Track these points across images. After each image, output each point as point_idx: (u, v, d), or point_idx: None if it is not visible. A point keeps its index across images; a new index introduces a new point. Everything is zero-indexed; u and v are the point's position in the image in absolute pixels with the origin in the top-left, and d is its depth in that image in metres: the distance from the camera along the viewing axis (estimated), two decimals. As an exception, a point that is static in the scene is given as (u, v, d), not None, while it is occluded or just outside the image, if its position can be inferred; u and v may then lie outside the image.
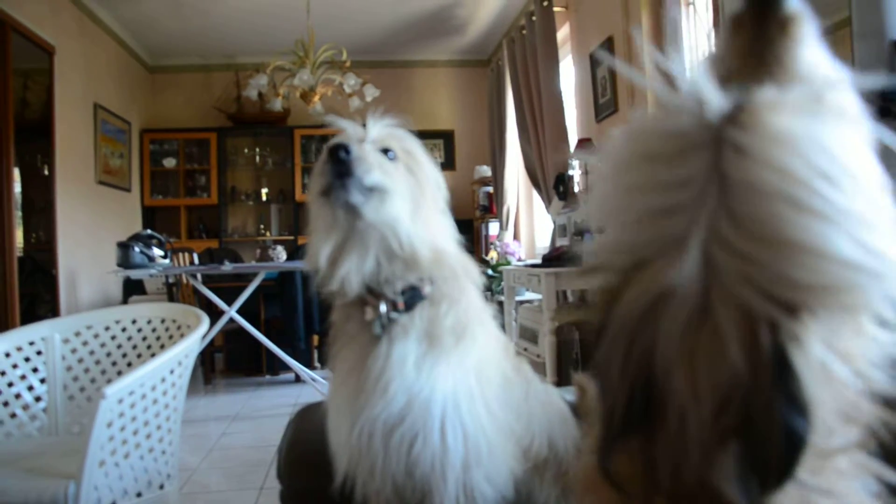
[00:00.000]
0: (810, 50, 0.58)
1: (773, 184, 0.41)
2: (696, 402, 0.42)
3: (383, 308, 1.06)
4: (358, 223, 1.04)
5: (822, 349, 0.42)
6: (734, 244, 0.41)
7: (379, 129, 1.13)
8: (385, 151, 1.10)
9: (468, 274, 1.15)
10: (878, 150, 0.45)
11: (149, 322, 2.34)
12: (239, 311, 4.63)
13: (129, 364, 2.29)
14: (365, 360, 1.06)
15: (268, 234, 8.03)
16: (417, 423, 1.01)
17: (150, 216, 7.74)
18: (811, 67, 0.57)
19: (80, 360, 2.26)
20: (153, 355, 2.24)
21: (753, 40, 0.58)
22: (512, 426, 1.09)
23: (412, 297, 1.08)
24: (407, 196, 1.07)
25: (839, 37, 2.27)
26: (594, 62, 5.01)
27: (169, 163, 7.79)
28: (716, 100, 0.45)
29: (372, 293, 1.08)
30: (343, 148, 1.03)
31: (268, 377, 5.65)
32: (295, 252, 5.44)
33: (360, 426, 1.03)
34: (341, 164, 1.02)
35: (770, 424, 0.40)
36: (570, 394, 1.40)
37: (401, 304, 1.07)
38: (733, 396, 0.41)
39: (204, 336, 2.18)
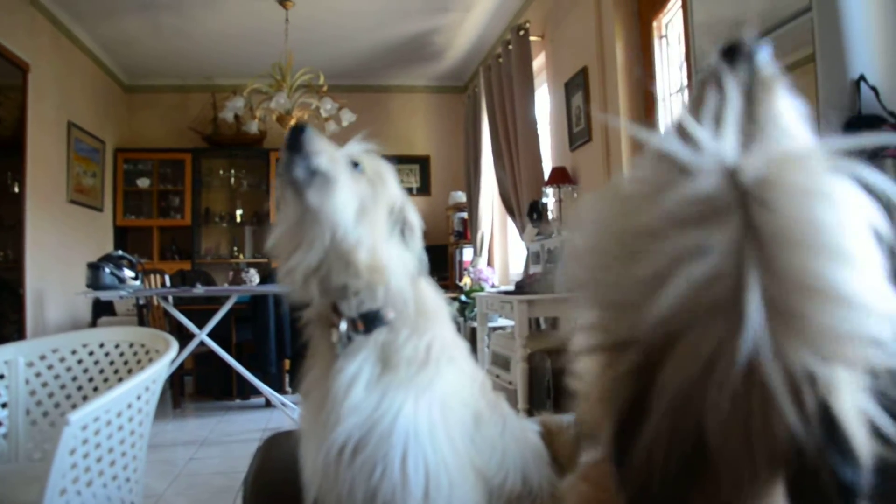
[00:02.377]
0: (783, 103, 0.61)
1: (805, 235, 0.42)
2: (751, 463, 0.43)
3: (343, 326, 1.08)
4: (304, 209, 1.07)
5: (861, 398, 0.44)
6: (777, 301, 0.41)
7: (355, 146, 1.16)
8: (355, 165, 1.13)
9: (438, 310, 1.15)
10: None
11: (116, 346, 2.31)
12: (210, 335, 4.58)
13: (96, 389, 2.25)
14: (324, 381, 1.07)
15: (241, 256, 7.98)
16: (378, 452, 1.01)
17: (123, 236, 7.66)
18: (783, 119, 0.60)
19: (45, 385, 2.22)
20: (120, 380, 2.21)
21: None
22: (477, 464, 1.09)
23: (372, 319, 1.09)
24: (355, 197, 1.09)
25: (804, 72, 2.32)
26: (569, 91, 5.08)
27: (143, 183, 7.73)
28: (739, 159, 0.46)
29: (337, 311, 1.09)
30: (300, 127, 1.08)
31: (238, 401, 5.59)
32: (268, 275, 5.41)
33: (324, 450, 1.03)
34: (293, 140, 1.07)
35: (825, 478, 0.41)
36: (535, 423, 1.41)
37: (360, 325, 1.08)
38: (788, 454, 0.42)
39: (173, 360, 2.16)
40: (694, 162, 0.46)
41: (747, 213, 0.43)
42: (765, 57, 0.62)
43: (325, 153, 1.09)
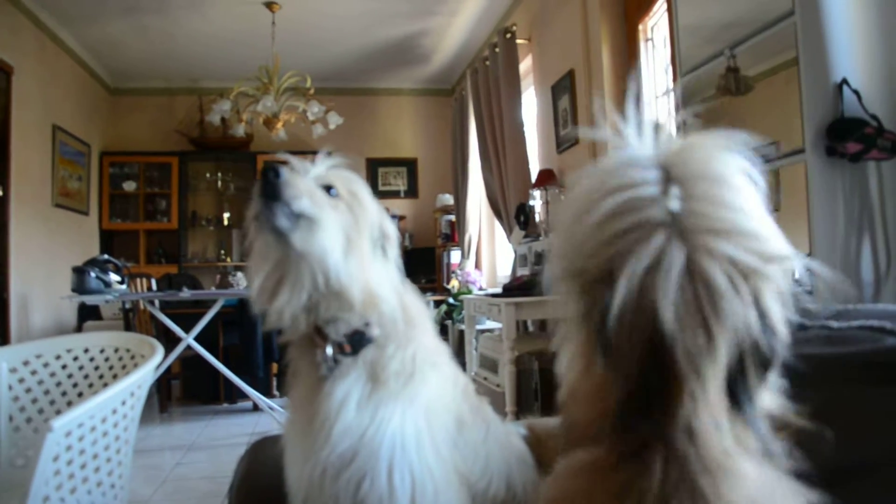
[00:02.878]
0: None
1: (711, 175, 0.61)
2: (706, 337, 0.57)
3: (329, 351, 1.06)
4: (289, 252, 1.04)
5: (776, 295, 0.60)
6: (700, 211, 0.59)
7: (325, 166, 1.13)
8: (328, 189, 1.09)
9: (419, 317, 1.15)
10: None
11: (101, 351, 2.30)
12: (197, 338, 4.57)
13: (80, 394, 2.24)
14: (312, 401, 1.06)
15: (228, 259, 7.94)
16: (365, 465, 1.00)
17: (109, 240, 7.62)
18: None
19: (28, 390, 2.20)
20: (105, 385, 2.20)
21: None
22: (461, 469, 1.09)
23: (359, 340, 1.08)
24: (340, 232, 1.06)
25: (788, 76, 2.34)
26: (556, 94, 5.09)
27: (129, 186, 7.70)
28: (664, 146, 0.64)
29: (321, 334, 1.08)
30: (273, 170, 1.02)
31: (225, 405, 5.56)
32: (255, 278, 5.38)
33: (311, 467, 1.03)
34: (269, 187, 1.02)
35: (760, 346, 0.59)
36: (521, 427, 1.42)
37: (347, 347, 1.07)
38: (731, 331, 0.58)
39: (159, 364, 2.15)
40: (636, 150, 0.65)
41: (668, 169, 0.61)
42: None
43: (304, 194, 1.04)
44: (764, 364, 0.60)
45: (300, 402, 1.10)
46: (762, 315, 0.58)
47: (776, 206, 2.32)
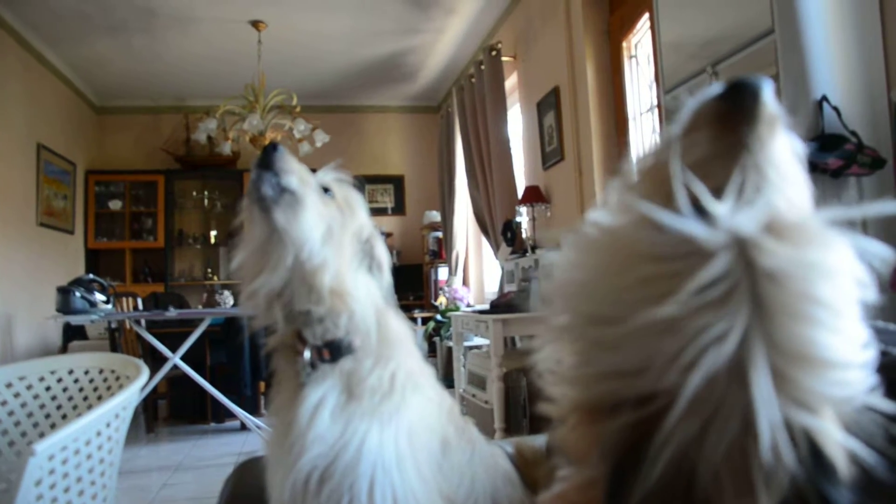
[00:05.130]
0: (783, 145, 0.60)
1: (805, 309, 0.45)
2: (748, 500, 0.46)
3: (307, 355, 1.07)
4: (272, 228, 1.06)
5: (840, 432, 0.48)
6: (777, 369, 0.45)
7: (328, 173, 1.16)
8: (325, 189, 1.13)
9: (402, 338, 1.15)
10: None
11: (86, 372, 2.28)
12: (184, 358, 4.54)
13: (64, 416, 2.22)
14: (290, 409, 1.06)
15: (215, 278, 7.91)
16: (345, 483, 1.00)
17: (94, 259, 7.58)
18: (784, 164, 0.59)
19: (11, 413, 2.18)
20: (90, 407, 2.18)
21: (733, 138, 0.58)
22: (445, 492, 1.08)
23: (338, 348, 1.08)
24: (322, 222, 1.09)
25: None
26: (541, 111, 5.12)
27: (115, 205, 7.66)
28: (753, 234, 0.47)
29: (302, 340, 1.08)
30: (273, 145, 1.08)
31: (213, 425, 5.52)
32: (242, 297, 5.36)
33: (290, 478, 1.02)
34: (265, 157, 1.07)
35: (813, 499, 0.46)
36: (509, 445, 1.41)
37: (326, 353, 1.08)
38: (779, 488, 0.46)
39: (145, 385, 2.13)
40: (712, 242, 0.47)
41: (756, 290, 0.45)
42: (769, 95, 0.59)
43: (295, 173, 1.09)
44: None
45: (280, 410, 1.10)
46: (820, 463, 0.46)
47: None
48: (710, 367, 0.44)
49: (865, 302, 0.48)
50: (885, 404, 0.48)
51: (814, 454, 0.46)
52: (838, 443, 0.47)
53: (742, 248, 0.46)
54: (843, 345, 0.46)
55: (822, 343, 0.45)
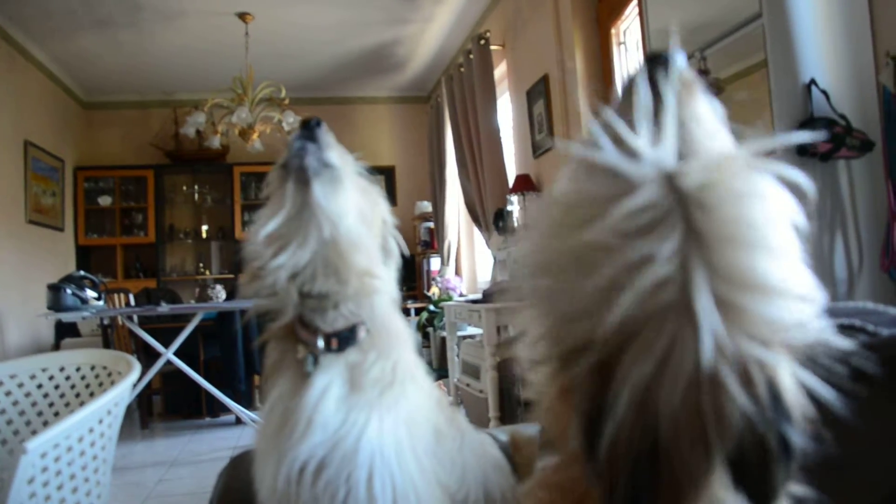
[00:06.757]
0: (703, 105, 0.66)
1: (740, 234, 0.46)
2: (704, 449, 0.46)
3: (321, 343, 1.06)
4: (307, 201, 1.04)
5: (797, 369, 0.48)
6: (722, 297, 0.45)
7: (351, 162, 1.16)
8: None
9: (401, 332, 1.15)
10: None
11: (78, 369, 2.27)
12: (177, 353, 4.53)
13: (57, 414, 2.21)
14: (292, 398, 1.05)
15: (207, 272, 7.89)
16: (342, 472, 1.00)
17: (85, 256, 7.54)
18: (705, 120, 0.64)
19: (3, 412, 2.17)
20: (82, 404, 2.17)
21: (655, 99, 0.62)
22: (442, 479, 1.09)
23: (347, 338, 1.07)
24: (357, 204, 1.09)
25: (757, 78, 2.37)
26: (531, 99, 5.11)
27: (104, 201, 7.62)
28: (678, 165, 0.48)
29: (306, 327, 1.07)
30: (316, 120, 1.08)
31: (208, 419, 5.52)
32: (235, 291, 5.36)
33: (286, 468, 1.01)
34: (308, 130, 1.07)
35: (770, 442, 0.46)
36: (503, 434, 1.42)
37: (335, 343, 1.07)
38: (736, 429, 0.46)
39: (139, 380, 2.13)
40: (636, 173, 0.48)
41: (688, 218, 0.46)
42: (683, 61, 0.66)
43: (337, 149, 1.09)
44: (779, 459, 0.47)
45: (278, 400, 1.08)
46: (776, 402, 0.46)
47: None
48: (641, 289, 0.44)
49: (798, 226, 0.48)
50: (840, 341, 0.48)
51: (770, 393, 0.46)
52: (793, 378, 0.48)
53: (671, 179, 0.47)
54: (784, 270, 0.46)
55: (760, 266, 0.45)
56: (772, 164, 0.49)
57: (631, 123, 0.53)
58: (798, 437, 0.47)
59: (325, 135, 1.08)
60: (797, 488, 0.54)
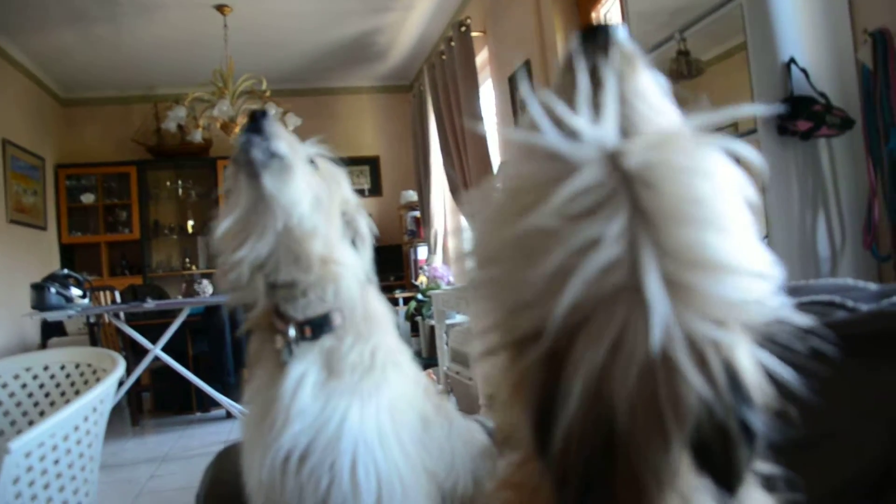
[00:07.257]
0: (647, 80, 0.64)
1: (687, 211, 0.44)
2: (662, 437, 0.45)
3: (292, 332, 1.06)
4: (260, 194, 1.05)
5: (755, 349, 0.47)
6: (672, 277, 0.43)
7: (311, 147, 1.16)
8: (311, 162, 1.13)
9: (381, 317, 1.15)
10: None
11: (62, 368, 2.26)
12: (165, 348, 4.50)
13: (42, 413, 2.20)
14: (270, 388, 1.05)
15: (194, 267, 7.84)
16: (326, 460, 1.00)
17: (69, 254, 7.47)
18: (649, 95, 0.63)
19: (-12, 412, 2.16)
20: (67, 402, 2.16)
21: (594, 76, 0.61)
22: (429, 467, 1.08)
23: (320, 325, 1.07)
24: (310, 190, 1.08)
25: (737, 60, 2.37)
26: (513, 85, 5.10)
27: (87, 198, 7.55)
28: (620, 144, 0.47)
29: (281, 317, 1.07)
30: (262, 112, 1.08)
31: (198, 415, 5.50)
32: (221, 285, 5.33)
33: (270, 458, 1.01)
34: (254, 123, 1.06)
35: (731, 427, 0.45)
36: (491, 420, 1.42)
37: (308, 331, 1.07)
38: (693, 416, 0.44)
39: (127, 377, 2.11)
40: (577, 153, 0.47)
41: (634, 197, 0.44)
42: (624, 35, 0.64)
43: (284, 138, 1.08)
44: (741, 442, 0.46)
45: (258, 390, 1.08)
46: (734, 384, 0.45)
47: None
48: (589, 273, 0.43)
49: (749, 201, 0.47)
50: (798, 318, 0.47)
51: (729, 375, 0.45)
52: (752, 359, 0.47)
53: (613, 158, 0.46)
54: (735, 246, 0.45)
55: (709, 243, 0.44)
56: (719, 138, 0.48)
57: (572, 103, 0.51)
58: (759, 420, 0.46)
59: (272, 125, 1.07)
60: (765, 467, 0.53)
